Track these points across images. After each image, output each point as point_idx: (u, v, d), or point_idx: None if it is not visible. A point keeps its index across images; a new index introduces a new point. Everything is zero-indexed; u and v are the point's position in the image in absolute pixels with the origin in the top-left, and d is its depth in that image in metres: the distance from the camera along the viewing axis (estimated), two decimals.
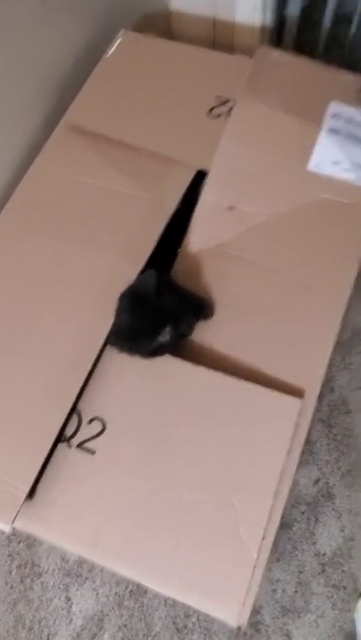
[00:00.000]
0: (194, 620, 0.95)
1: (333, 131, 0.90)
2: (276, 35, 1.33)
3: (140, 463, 0.70)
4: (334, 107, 0.92)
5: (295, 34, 1.32)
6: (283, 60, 0.97)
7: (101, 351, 0.76)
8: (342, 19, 1.33)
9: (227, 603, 0.64)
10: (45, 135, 0.93)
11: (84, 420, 0.73)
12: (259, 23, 1.25)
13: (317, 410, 1.08)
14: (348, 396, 1.09)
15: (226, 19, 1.26)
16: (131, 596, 0.98)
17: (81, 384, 0.73)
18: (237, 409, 0.71)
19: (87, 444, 0.71)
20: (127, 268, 0.78)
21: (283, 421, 0.70)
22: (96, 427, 0.73)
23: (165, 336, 0.72)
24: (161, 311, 0.73)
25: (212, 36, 1.31)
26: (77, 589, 0.99)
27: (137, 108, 0.96)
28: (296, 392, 0.73)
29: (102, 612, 0.97)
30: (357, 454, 1.05)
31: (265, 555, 0.66)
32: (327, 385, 1.11)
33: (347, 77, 0.96)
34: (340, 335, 1.13)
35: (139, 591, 0.98)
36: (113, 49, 1.02)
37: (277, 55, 0.97)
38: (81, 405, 0.74)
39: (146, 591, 0.97)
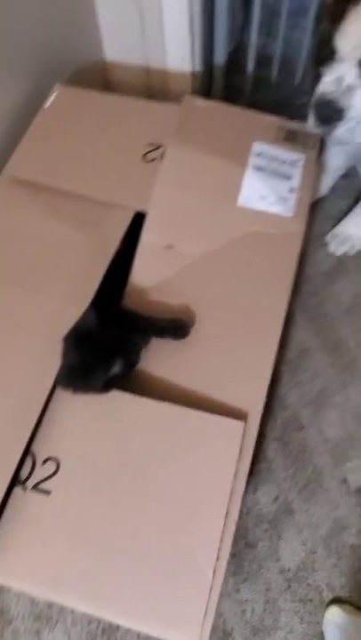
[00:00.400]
0: None
1: (258, 168, 0.98)
2: (208, 79, 1.43)
3: (96, 499, 0.72)
4: (258, 146, 1.00)
5: (224, 77, 1.42)
6: (208, 107, 1.05)
7: (51, 393, 0.78)
8: (266, 62, 1.45)
9: (186, 627, 0.66)
10: None
11: (39, 461, 0.75)
12: (189, 70, 1.34)
13: (272, 429, 1.13)
14: (299, 412, 1.15)
15: (159, 67, 1.35)
16: (103, 633, 0.97)
17: (32, 426, 0.75)
18: (184, 436, 0.75)
19: (42, 485, 0.73)
20: (72, 311, 0.81)
21: (228, 444, 0.74)
22: (50, 467, 0.75)
23: (117, 367, 0.76)
24: (108, 344, 0.77)
25: (147, 83, 1.39)
26: (49, 633, 0.98)
27: (75, 157, 1.01)
28: (240, 415, 0.78)
29: None
30: (313, 468, 1.09)
31: (220, 576, 0.69)
32: (280, 403, 1.16)
33: (268, 119, 1.05)
34: (287, 354, 1.20)
35: (111, 628, 0.98)
36: (49, 102, 1.08)
37: (202, 102, 1.06)
38: (35, 447, 0.76)
39: (118, 627, 0.98)
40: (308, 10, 1.27)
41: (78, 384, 0.76)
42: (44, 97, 1.09)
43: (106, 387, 0.76)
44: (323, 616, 0.97)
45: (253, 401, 0.80)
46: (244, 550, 1.02)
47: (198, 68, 1.35)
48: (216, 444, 0.74)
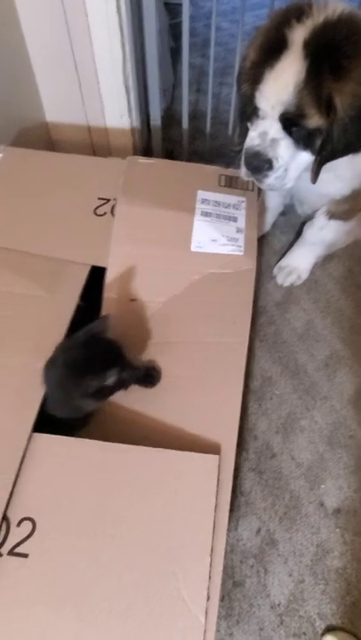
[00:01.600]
0: None
1: (205, 214, 1.04)
2: (146, 134, 1.51)
3: (76, 555, 0.70)
4: (201, 194, 1.07)
5: (161, 132, 1.50)
6: (150, 164, 1.12)
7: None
8: (200, 115, 1.56)
9: None
10: None
11: (13, 524, 0.72)
12: (128, 126, 1.42)
13: (246, 460, 1.14)
14: (270, 440, 1.16)
15: (98, 125, 1.42)
16: None
17: (10, 489, 0.73)
18: (161, 477, 0.74)
19: (19, 549, 0.70)
20: (40, 366, 0.81)
21: (205, 479, 0.74)
22: (26, 528, 0.72)
23: (111, 377, 0.77)
24: (111, 352, 0.78)
25: (89, 141, 1.46)
26: None
27: (27, 217, 1.03)
28: (214, 448, 0.79)
29: None
30: (290, 494, 1.10)
31: (213, 617, 0.67)
32: (250, 434, 1.17)
33: (207, 168, 1.13)
34: (251, 384, 1.23)
35: None
36: None
37: (145, 160, 1.12)
38: (8, 509, 0.73)
39: None
40: (232, 69, 1.39)
41: (72, 382, 0.76)
42: None
43: (95, 394, 0.76)
44: None
45: (227, 433, 0.82)
46: (232, 590, 1.00)
47: (136, 124, 1.43)
48: (193, 480, 0.74)
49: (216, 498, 0.73)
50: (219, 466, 0.76)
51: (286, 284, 1.37)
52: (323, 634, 0.97)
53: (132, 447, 0.76)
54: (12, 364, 0.83)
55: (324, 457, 1.15)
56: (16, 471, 0.74)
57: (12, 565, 0.69)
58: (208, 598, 0.67)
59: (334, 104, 0.78)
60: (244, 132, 0.90)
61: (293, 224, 1.48)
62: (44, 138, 1.46)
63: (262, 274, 1.42)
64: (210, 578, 0.68)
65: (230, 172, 1.11)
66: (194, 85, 1.76)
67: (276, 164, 0.86)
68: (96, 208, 1.05)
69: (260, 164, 0.86)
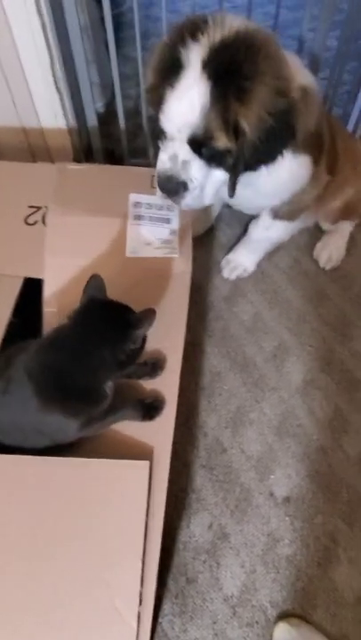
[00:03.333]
0: None
1: (138, 217, 1.03)
2: (85, 132, 1.49)
3: (9, 571, 0.70)
4: (133, 197, 1.06)
5: (100, 130, 1.48)
6: (81, 170, 1.11)
7: None
8: (138, 112, 1.54)
9: None
10: None
11: None
12: (64, 126, 1.39)
13: (196, 457, 1.15)
14: (220, 435, 1.18)
15: (33, 126, 1.39)
16: None
17: None
18: (90, 488, 0.75)
19: None
20: None
21: (135, 486, 0.75)
22: None
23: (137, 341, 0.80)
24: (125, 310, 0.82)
25: (26, 143, 1.43)
26: None
27: None
28: (146, 453, 0.79)
29: None
30: (240, 487, 1.12)
31: (148, 621, 0.68)
32: (200, 431, 1.18)
33: (140, 170, 1.12)
34: (201, 381, 1.24)
35: None
36: None
37: (75, 167, 1.11)
38: None
39: None
40: None
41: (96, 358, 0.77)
42: None
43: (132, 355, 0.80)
44: (271, 635, 0.98)
45: (160, 436, 0.82)
46: (186, 587, 1.02)
47: (73, 124, 1.41)
48: (123, 488, 0.75)
49: (148, 503, 0.74)
50: (150, 471, 0.76)
51: (233, 277, 1.38)
52: (275, 622, 1.00)
53: (60, 459, 0.76)
54: None
55: (273, 447, 1.17)
56: None
57: None
58: (140, 603, 0.68)
59: (242, 127, 0.76)
60: (157, 152, 0.86)
61: (239, 217, 1.48)
62: None
63: (209, 269, 1.42)
64: (142, 583, 0.69)
65: None
66: (133, 79, 1.73)
67: (190, 185, 0.84)
68: (27, 217, 1.03)
69: (175, 188, 0.84)
